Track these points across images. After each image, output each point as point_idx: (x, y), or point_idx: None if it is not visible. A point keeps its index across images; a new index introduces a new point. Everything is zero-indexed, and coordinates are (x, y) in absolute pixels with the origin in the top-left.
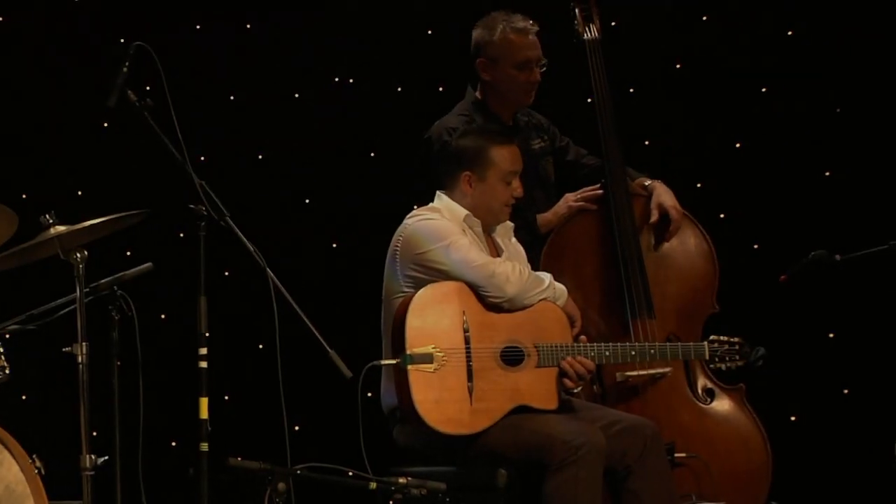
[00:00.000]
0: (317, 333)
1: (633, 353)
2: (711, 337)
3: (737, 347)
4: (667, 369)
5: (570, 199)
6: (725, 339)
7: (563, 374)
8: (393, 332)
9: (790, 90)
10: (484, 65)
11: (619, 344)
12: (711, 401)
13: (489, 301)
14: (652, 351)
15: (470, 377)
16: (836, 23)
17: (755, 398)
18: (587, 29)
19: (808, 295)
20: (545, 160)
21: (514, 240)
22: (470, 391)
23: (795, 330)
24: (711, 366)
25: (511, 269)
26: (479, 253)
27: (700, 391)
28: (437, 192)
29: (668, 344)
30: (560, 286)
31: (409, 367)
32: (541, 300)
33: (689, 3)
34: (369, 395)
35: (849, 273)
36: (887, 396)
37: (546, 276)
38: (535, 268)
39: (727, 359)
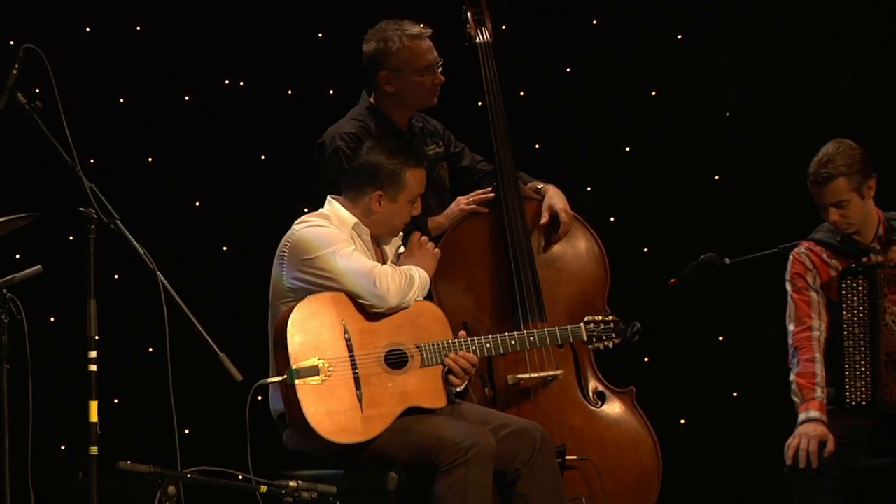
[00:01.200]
0: (206, 336)
1: (514, 342)
2: (587, 318)
3: (612, 325)
4: (558, 372)
5: (462, 203)
6: (601, 318)
7: (448, 371)
8: (275, 348)
9: (680, 94)
10: (387, 77)
11: (498, 335)
12: (602, 403)
13: (370, 309)
14: (531, 338)
15: (357, 385)
16: (725, 27)
17: (645, 401)
18: (479, 32)
19: (697, 298)
20: (440, 166)
21: (402, 249)
22: (359, 399)
23: (685, 333)
24: (590, 346)
25: (391, 276)
26: (364, 260)
27: (591, 394)
28: (329, 197)
29: (545, 329)
30: (421, 272)
31: (297, 381)
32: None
33: (580, 6)
34: (259, 398)
35: (738, 276)
36: (775, 399)
37: (413, 271)
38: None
39: (604, 337)
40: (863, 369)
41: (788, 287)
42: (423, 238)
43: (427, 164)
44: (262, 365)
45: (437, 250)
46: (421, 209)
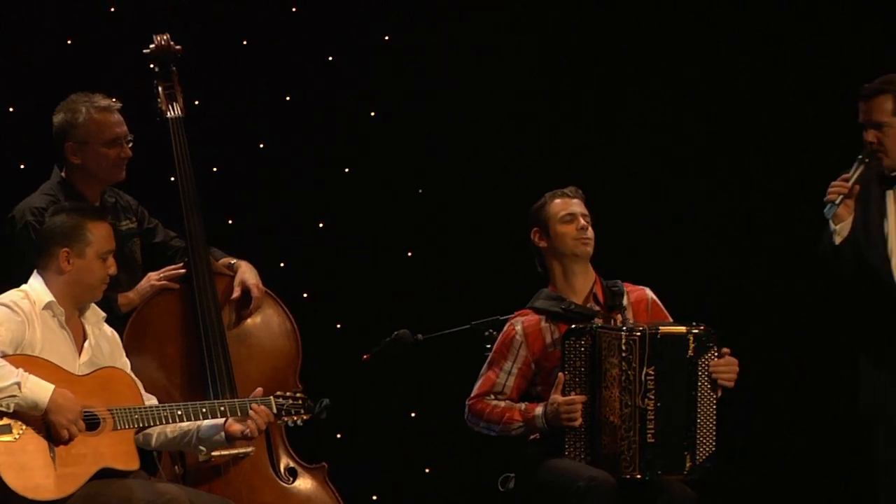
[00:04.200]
0: None
1: (204, 409)
2: (277, 392)
3: (300, 401)
4: (249, 449)
5: (152, 279)
6: (290, 393)
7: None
8: None
9: (372, 170)
10: (73, 148)
11: (189, 403)
12: (294, 480)
13: None
14: (222, 408)
15: (51, 444)
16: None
17: (338, 477)
18: (170, 107)
19: (390, 374)
20: (132, 241)
21: (105, 327)
22: (53, 458)
23: (378, 409)
24: (279, 421)
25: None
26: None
27: (283, 470)
28: (35, 272)
29: (236, 400)
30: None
31: None
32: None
33: (268, 85)
34: None
35: (431, 352)
36: (468, 471)
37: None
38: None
39: (293, 412)
40: (585, 430)
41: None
42: None
43: (119, 239)
44: None
45: None
46: (116, 268)
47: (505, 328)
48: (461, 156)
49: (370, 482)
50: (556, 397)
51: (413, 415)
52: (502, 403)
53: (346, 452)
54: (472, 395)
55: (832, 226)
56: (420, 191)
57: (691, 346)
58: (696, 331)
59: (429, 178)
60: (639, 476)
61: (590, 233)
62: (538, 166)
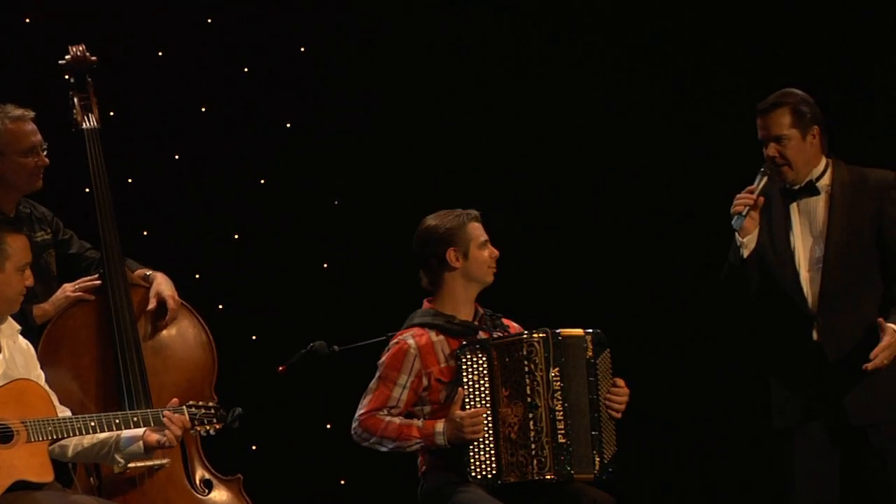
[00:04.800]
0: None
1: (118, 420)
2: (190, 402)
3: (213, 411)
4: (164, 461)
5: (67, 290)
6: (202, 403)
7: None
8: None
9: (288, 181)
10: None
11: (102, 414)
12: (209, 492)
13: None
14: (135, 419)
15: None
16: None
17: (253, 488)
18: (86, 118)
19: (306, 385)
20: (47, 253)
21: (20, 339)
22: None
23: (293, 420)
24: (192, 431)
25: None
26: None
27: (198, 482)
28: None
29: (149, 410)
30: None
31: None
32: None
33: (187, 92)
34: None
35: (347, 363)
36: (383, 484)
37: None
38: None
39: (205, 422)
40: (488, 443)
41: (378, 371)
42: None
43: (35, 250)
44: None
45: None
46: (33, 280)
47: (393, 344)
48: (376, 168)
49: (285, 494)
50: (457, 412)
51: (329, 426)
52: (397, 420)
53: (261, 464)
54: (364, 410)
55: (739, 239)
56: (336, 202)
57: (590, 347)
58: (591, 333)
59: (344, 190)
60: (553, 477)
61: None
62: (447, 181)
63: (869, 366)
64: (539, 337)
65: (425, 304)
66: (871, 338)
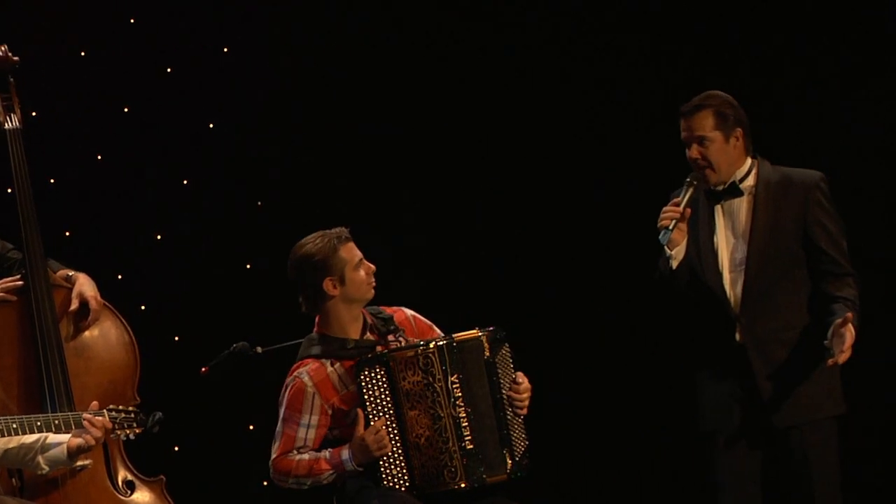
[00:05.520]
0: None
1: (39, 423)
2: (110, 406)
3: (132, 415)
4: (87, 462)
5: None
6: (122, 407)
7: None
8: None
9: (211, 182)
10: None
11: (24, 416)
12: (132, 493)
13: None
14: (56, 421)
15: None
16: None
17: (175, 489)
18: (7, 118)
19: (229, 386)
20: None
21: None
22: None
23: (216, 421)
24: (112, 435)
25: None
26: None
27: (120, 483)
28: None
29: (70, 413)
30: None
31: None
32: None
33: (110, 93)
34: None
35: (270, 365)
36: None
37: None
38: None
39: (125, 426)
40: (398, 455)
41: (281, 412)
42: None
43: None
44: None
45: None
46: None
47: (290, 383)
48: (299, 169)
49: (208, 495)
50: (360, 433)
51: (251, 427)
52: (306, 456)
53: (184, 465)
54: (275, 456)
55: (667, 251)
56: (259, 203)
57: (486, 347)
58: (488, 331)
59: (267, 191)
60: (465, 485)
61: None
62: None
63: (840, 360)
64: (434, 347)
65: (315, 328)
66: (794, 338)
